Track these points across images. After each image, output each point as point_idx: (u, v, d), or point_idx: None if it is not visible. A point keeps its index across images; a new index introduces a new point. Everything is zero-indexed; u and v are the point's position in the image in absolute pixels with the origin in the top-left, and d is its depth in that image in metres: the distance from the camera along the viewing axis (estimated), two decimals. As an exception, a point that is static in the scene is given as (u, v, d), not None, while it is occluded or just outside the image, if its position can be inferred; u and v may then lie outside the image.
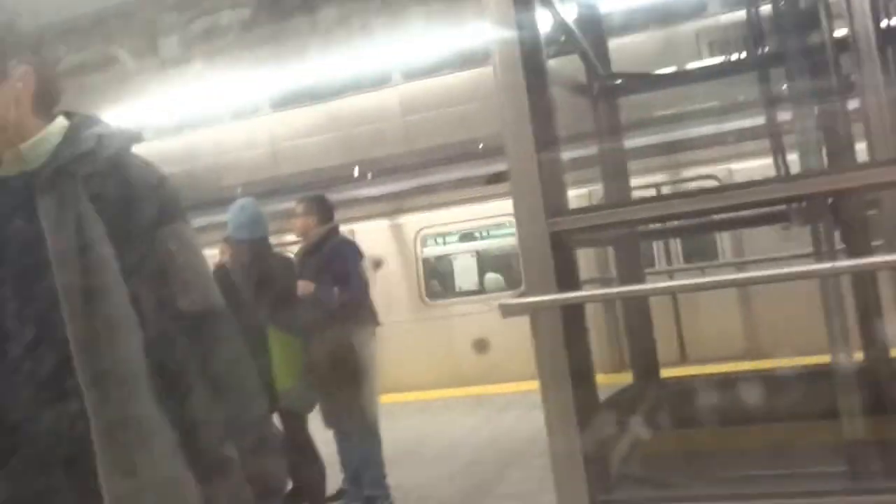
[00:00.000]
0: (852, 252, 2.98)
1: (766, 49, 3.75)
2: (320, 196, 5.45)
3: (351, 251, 5.13)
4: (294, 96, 10.97)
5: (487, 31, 2.27)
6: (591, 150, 3.94)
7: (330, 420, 4.96)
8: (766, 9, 3.67)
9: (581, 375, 2.23)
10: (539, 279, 2.22)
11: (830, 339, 2.72)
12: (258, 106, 11.04)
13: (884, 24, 2.71)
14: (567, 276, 2.26)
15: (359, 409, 4.84)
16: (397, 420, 7.82)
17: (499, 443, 6.66)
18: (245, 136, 10.90)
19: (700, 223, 3.58)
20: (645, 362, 3.47)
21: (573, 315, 2.27)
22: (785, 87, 3.53)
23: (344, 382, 4.75)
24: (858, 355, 2.96)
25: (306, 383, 4.57)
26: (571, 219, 2.34)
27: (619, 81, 4.02)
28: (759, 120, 3.92)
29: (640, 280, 3.52)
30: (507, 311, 2.29)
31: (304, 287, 4.71)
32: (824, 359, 3.04)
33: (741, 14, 4.02)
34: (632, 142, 5.56)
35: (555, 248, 2.22)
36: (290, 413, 4.51)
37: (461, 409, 8.44)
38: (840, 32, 2.98)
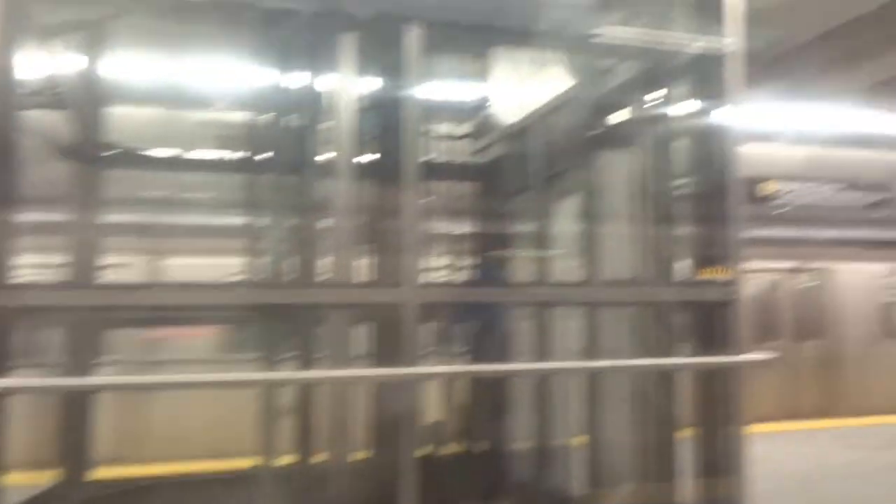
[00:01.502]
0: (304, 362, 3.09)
1: (260, 156, 3.87)
2: None
3: None
4: None
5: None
6: (71, 218, 3.57)
7: None
8: (267, 119, 3.81)
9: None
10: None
11: (265, 443, 2.76)
12: None
13: (360, 157, 2.93)
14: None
15: None
16: None
17: None
18: None
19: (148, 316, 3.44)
20: (75, 460, 3.12)
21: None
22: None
23: None
24: (288, 459, 3.07)
25: None
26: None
27: (111, 152, 3.76)
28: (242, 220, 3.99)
29: (87, 370, 3.21)
30: None
31: None
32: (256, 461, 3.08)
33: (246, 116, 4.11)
34: (120, 218, 5.18)
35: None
36: None
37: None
38: (326, 157, 3.17)
